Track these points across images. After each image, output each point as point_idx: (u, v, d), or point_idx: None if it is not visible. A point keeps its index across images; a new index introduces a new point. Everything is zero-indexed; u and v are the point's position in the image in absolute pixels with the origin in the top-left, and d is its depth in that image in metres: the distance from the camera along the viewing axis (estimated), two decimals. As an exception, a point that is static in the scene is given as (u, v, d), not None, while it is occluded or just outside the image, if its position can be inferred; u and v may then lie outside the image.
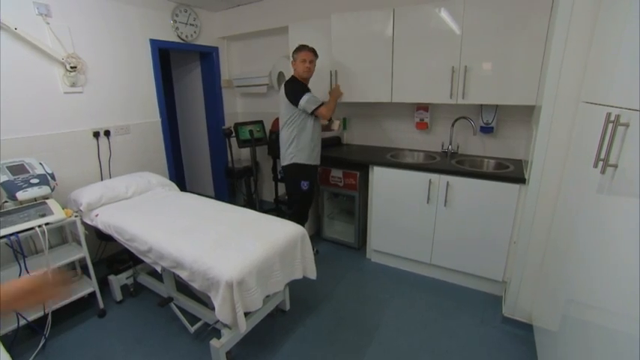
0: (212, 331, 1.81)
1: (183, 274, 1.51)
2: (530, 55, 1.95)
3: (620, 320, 0.86)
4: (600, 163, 1.01)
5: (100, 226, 1.99)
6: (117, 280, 2.18)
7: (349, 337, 1.87)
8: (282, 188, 3.51)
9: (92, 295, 2.07)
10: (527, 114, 2.27)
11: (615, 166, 0.97)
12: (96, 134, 2.56)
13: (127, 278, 2.22)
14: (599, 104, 1.18)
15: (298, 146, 2.35)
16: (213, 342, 1.56)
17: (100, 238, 2.23)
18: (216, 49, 3.48)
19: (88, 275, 2.06)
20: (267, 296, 1.62)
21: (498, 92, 2.10)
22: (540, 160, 1.63)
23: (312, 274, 1.84)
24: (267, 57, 3.42)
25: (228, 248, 1.51)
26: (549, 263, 1.65)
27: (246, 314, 1.45)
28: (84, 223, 2.05)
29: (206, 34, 3.36)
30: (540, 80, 1.92)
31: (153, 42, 2.86)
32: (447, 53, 2.18)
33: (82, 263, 2.17)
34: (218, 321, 1.65)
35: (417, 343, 1.82)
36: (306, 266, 1.81)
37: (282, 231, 1.72)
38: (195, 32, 3.22)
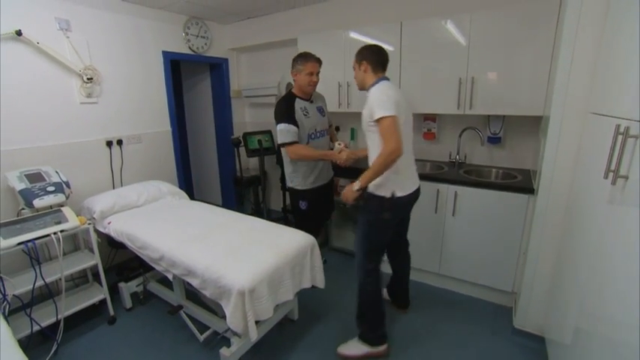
0: (221, 339, 1.82)
1: (195, 282, 1.53)
2: (536, 66, 1.97)
3: (634, 333, 0.85)
4: (611, 175, 1.02)
5: (113, 234, 2.02)
6: (127, 288, 2.21)
7: (358, 347, 1.86)
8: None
9: (103, 302, 2.10)
10: (534, 124, 2.28)
11: (626, 178, 0.97)
12: (109, 143, 2.62)
13: (137, 286, 2.25)
14: (608, 115, 1.19)
15: (294, 171, 2.16)
16: (223, 350, 1.57)
17: (110, 245, 2.27)
18: (226, 60, 3.56)
19: (99, 282, 2.10)
20: (277, 305, 1.63)
21: (505, 103, 2.12)
22: (549, 171, 1.64)
23: (321, 284, 1.85)
24: (275, 68, 3.49)
25: (240, 257, 1.53)
26: (560, 274, 1.63)
27: (256, 323, 1.46)
28: (96, 231, 2.09)
29: (216, 45, 3.45)
30: (548, 91, 1.94)
31: (165, 54, 2.94)
32: (453, 65, 2.21)
33: (94, 271, 2.20)
34: (228, 329, 1.66)
35: (426, 354, 1.80)
36: (315, 275, 1.82)
37: (293, 240, 1.74)
38: (206, 44, 3.30)
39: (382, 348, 1.75)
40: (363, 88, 1.72)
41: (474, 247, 2.16)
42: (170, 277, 1.70)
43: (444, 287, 2.39)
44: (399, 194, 1.62)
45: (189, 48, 3.16)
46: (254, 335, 1.41)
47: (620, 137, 1.00)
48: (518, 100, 2.08)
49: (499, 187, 2.03)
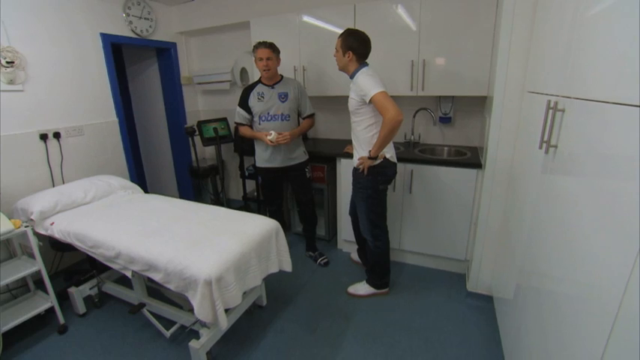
0: (189, 333, 1.77)
1: (157, 277, 1.46)
2: (480, 49, 2.11)
3: (564, 283, 0.99)
4: (544, 145, 1.15)
5: (58, 235, 1.85)
6: (79, 292, 2.04)
7: (327, 325, 1.92)
8: (249, 185, 3.48)
9: (50, 311, 1.92)
10: (480, 104, 2.46)
11: (556, 147, 1.10)
12: (43, 136, 2.36)
13: (90, 289, 2.09)
14: (541, 93, 1.33)
15: (256, 148, 2.43)
16: (193, 343, 1.53)
17: (55, 248, 2.07)
18: (174, 44, 3.33)
19: (44, 290, 1.91)
20: (244, 292, 1.62)
21: (454, 84, 2.25)
22: (494, 146, 1.79)
23: (288, 267, 1.86)
24: (228, 53, 3.35)
25: (204, 246, 1.49)
26: (505, 239, 1.82)
27: (225, 311, 1.45)
28: (37, 234, 1.89)
29: (163, 28, 3.21)
30: (490, 73, 2.09)
31: (104, 36, 2.68)
32: (406, 48, 2.29)
33: (36, 278, 2.00)
34: (196, 322, 1.63)
35: (391, 323, 1.92)
36: (281, 259, 1.83)
37: (257, 226, 1.73)
38: (150, 27, 3.06)
39: (385, 290, 2.18)
40: (345, 71, 1.90)
41: (431, 221, 2.31)
42: (129, 274, 1.60)
43: (405, 261, 2.54)
44: (388, 156, 1.88)
45: (132, 31, 2.91)
46: (224, 324, 1.40)
47: (550, 111, 1.12)
48: (465, 81, 2.21)
49: (451, 164, 2.17)
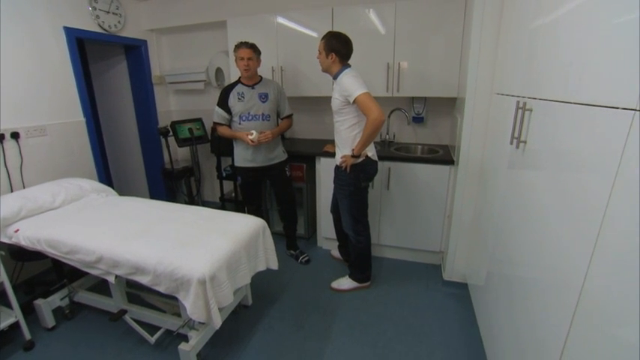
0: (174, 338, 1.73)
1: (145, 280, 1.42)
2: (450, 53, 2.27)
3: (530, 268, 1.11)
4: (515, 141, 1.28)
5: (24, 243, 1.71)
6: (47, 304, 1.90)
7: (314, 320, 1.96)
8: (227, 186, 3.42)
9: (12, 327, 1.76)
10: (449, 105, 2.63)
11: (525, 142, 1.23)
12: (0, 137, 2.17)
13: (61, 299, 1.95)
14: (509, 95, 1.47)
15: (235, 148, 2.43)
16: (183, 346, 1.50)
17: (15, 258, 1.92)
18: (144, 42, 3.20)
19: (4, 304, 1.77)
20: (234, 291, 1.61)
21: (426, 86, 2.40)
22: (466, 144, 1.94)
23: (274, 265, 1.88)
24: (203, 52, 3.28)
25: (193, 246, 1.47)
26: (477, 230, 1.97)
27: (216, 311, 1.43)
28: (-1, 243, 1.75)
29: (132, 25, 3.07)
30: (460, 76, 2.25)
31: (68, 30, 2.52)
32: (382, 51, 2.40)
33: (-4, 292, 1.84)
34: (184, 325, 1.60)
35: (375, 314, 2.00)
36: (268, 258, 1.84)
37: (244, 225, 1.73)
38: (119, 22, 2.91)
39: (367, 283, 2.26)
40: (328, 72, 1.96)
41: (407, 215, 2.43)
42: (111, 279, 1.53)
43: (384, 256, 2.65)
44: (370, 154, 1.95)
45: (99, 26, 2.76)
46: (218, 322, 1.39)
47: (520, 111, 1.25)
48: (437, 83, 2.36)
49: (426, 161, 2.30)
